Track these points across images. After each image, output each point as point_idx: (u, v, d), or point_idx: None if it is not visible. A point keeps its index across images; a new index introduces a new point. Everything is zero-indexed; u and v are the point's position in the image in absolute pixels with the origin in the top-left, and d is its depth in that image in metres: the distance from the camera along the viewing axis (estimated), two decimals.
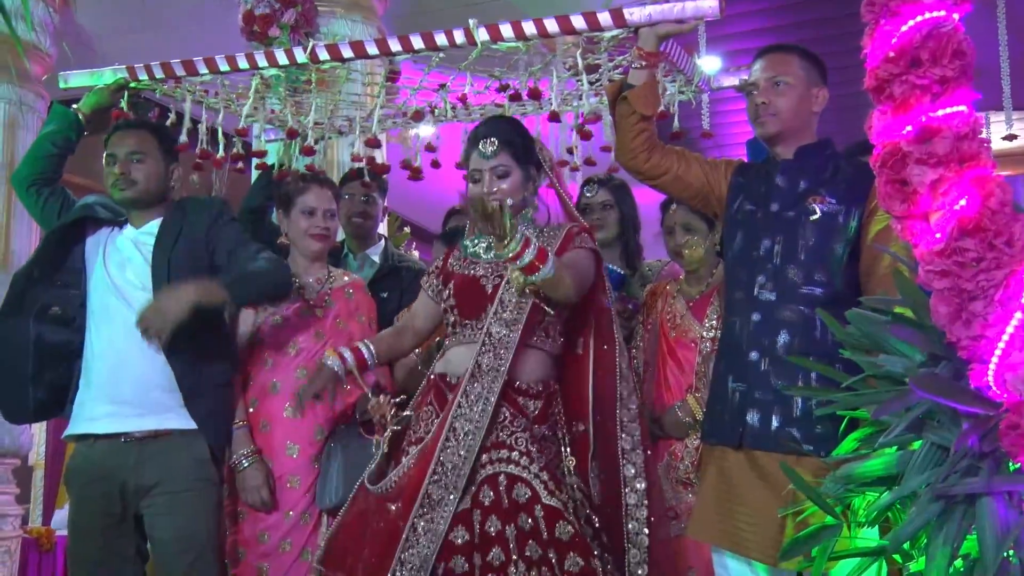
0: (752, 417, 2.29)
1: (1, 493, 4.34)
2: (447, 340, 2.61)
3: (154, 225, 2.79)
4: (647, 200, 3.20)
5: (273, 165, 3.28)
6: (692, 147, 2.75)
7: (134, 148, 2.77)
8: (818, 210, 2.33)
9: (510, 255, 2.21)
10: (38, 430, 5.66)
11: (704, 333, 2.89)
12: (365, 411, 2.66)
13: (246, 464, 2.77)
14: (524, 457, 2.37)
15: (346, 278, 3.08)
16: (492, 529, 2.31)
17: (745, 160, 2.59)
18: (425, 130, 3.54)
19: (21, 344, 2.70)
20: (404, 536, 2.31)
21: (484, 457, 2.37)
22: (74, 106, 2.98)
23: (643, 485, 2.50)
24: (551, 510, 2.30)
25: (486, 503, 2.33)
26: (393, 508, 2.38)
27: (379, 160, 3.56)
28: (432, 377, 2.58)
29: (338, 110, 3.53)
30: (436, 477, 2.34)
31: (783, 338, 2.30)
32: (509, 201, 2.43)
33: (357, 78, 3.51)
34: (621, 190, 3.33)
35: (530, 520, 2.29)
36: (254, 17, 4.22)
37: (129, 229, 2.82)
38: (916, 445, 1.66)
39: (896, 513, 1.67)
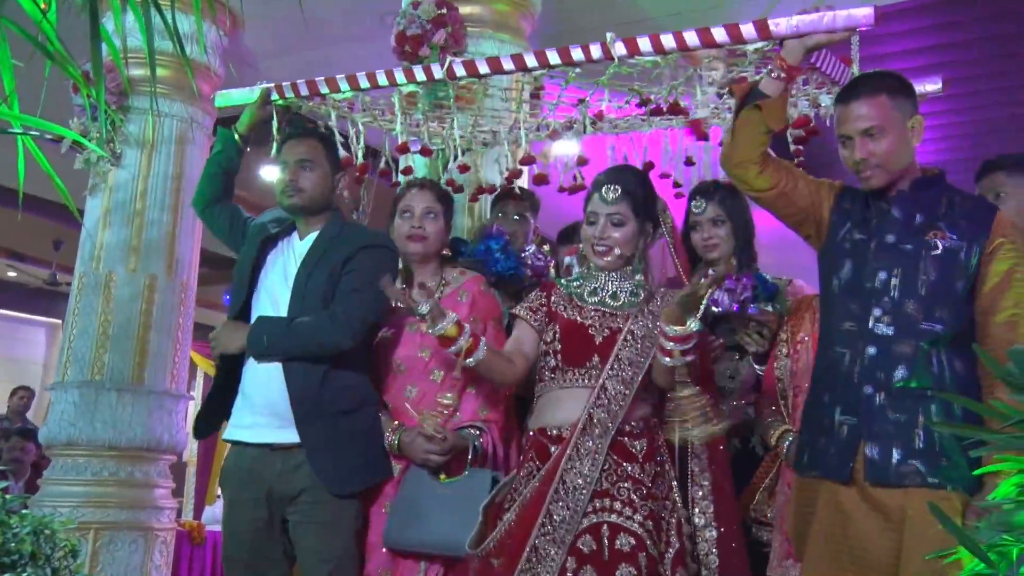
0: (870, 451, 2.21)
1: (159, 487, 4.55)
2: (539, 385, 2.60)
3: (314, 237, 2.85)
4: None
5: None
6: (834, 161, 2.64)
7: (303, 156, 2.82)
8: (940, 245, 2.25)
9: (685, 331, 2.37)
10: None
11: None
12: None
13: (395, 440, 2.73)
14: (627, 507, 2.36)
15: (462, 278, 2.94)
16: None
17: (847, 184, 2.47)
18: (569, 147, 3.54)
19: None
20: None
21: (587, 506, 2.36)
22: (232, 126, 3.12)
23: (712, 534, 2.50)
24: (654, 561, 2.32)
25: (585, 551, 2.31)
26: (495, 563, 2.36)
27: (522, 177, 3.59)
28: (532, 435, 2.57)
29: (480, 124, 3.57)
30: (545, 531, 2.32)
31: (900, 373, 2.22)
32: None
33: (495, 94, 3.53)
34: (730, 199, 3.03)
35: (632, 569, 2.28)
36: (406, 38, 4.31)
37: (296, 239, 2.88)
38: None
39: None
